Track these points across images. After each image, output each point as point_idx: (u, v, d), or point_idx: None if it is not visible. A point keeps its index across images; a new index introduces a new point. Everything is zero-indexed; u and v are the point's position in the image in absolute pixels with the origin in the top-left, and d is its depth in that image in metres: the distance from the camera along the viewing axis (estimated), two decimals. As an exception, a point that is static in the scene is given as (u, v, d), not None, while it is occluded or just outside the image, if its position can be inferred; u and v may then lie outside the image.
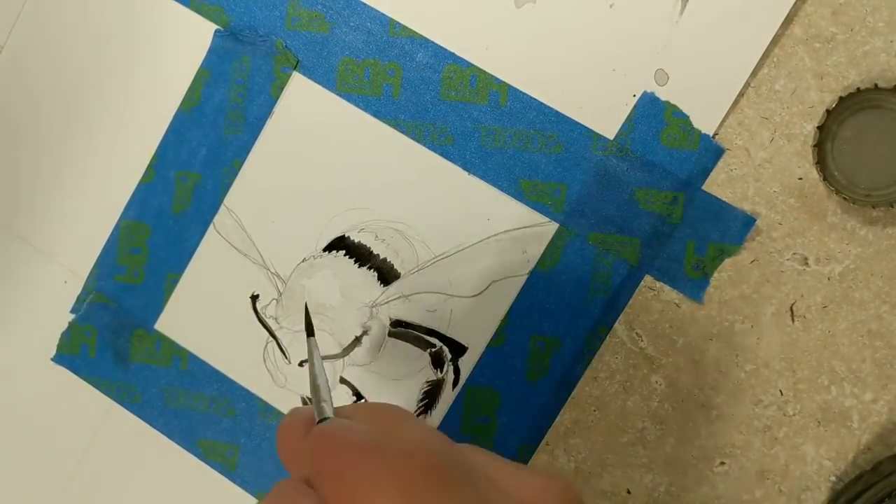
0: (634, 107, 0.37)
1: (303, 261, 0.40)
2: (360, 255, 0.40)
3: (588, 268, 0.38)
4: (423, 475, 0.20)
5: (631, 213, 0.37)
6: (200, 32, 0.41)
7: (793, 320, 0.36)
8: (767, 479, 0.37)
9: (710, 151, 0.36)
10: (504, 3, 0.38)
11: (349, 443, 0.21)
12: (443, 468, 0.21)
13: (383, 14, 0.39)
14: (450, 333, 0.39)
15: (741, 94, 0.36)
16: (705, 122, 0.36)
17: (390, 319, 0.40)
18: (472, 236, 0.39)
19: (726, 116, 0.36)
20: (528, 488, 0.23)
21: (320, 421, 0.24)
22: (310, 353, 0.30)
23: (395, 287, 0.39)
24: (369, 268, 0.40)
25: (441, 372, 0.39)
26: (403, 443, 0.21)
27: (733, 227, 0.36)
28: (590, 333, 0.38)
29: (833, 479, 0.36)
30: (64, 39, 0.43)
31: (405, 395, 0.39)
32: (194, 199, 0.41)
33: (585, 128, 0.38)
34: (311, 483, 0.22)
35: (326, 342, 0.40)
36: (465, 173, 0.39)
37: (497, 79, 0.38)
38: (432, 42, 0.39)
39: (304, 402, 0.40)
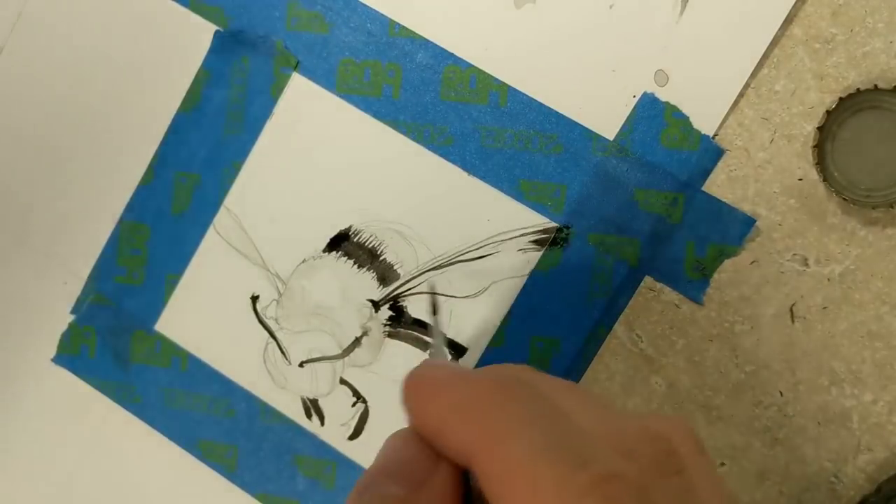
0: (634, 107, 0.37)
1: (302, 262, 0.40)
2: (360, 256, 0.40)
3: (588, 269, 0.38)
4: (490, 391, 0.21)
5: (631, 213, 0.37)
6: (200, 33, 0.41)
7: (793, 321, 0.36)
8: (768, 480, 0.37)
9: (710, 152, 0.36)
10: (504, 4, 0.38)
11: (426, 378, 0.23)
12: (509, 384, 0.21)
13: (383, 15, 0.39)
14: (450, 334, 0.39)
15: (741, 95, 0.36)
16: (705, 122, 0.36)
17: (390, 320, 0.40)
18: (472, 237, 0.39)
19: (726, 117, 0.36)
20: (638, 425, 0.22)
21: None
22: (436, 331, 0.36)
23: (394, 288, 0.39)
24: (369, 269, 0.40)
25: (441, 373, 0.39)
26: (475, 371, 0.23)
27: (733, 227, 0.36)
28: (590, 334, 0.38)
29: (833, 479, 0.36)
30: (63, 40, 0.43)
31: (405, 396, 0.39)
32: (194, 200, 0.41)
33: (585, 128, 0.38)
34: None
35: (326, 343, 0.40)
36: (465, 174, 0.39)
37: (497, 79, 0.38)
38: (432, 43, 0.39)
39: (304, 404, 0.40)
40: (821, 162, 0.35)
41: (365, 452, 0.39)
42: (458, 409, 0.21)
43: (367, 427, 0.40)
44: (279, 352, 0.41)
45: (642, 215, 0.37)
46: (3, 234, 0.44)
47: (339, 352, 0.40)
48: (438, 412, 0.21)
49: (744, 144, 0.36)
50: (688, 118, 0.37)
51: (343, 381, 0.40)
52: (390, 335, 0.40)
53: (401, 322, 0.39)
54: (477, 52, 0.38)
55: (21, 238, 0.44)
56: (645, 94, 0.37)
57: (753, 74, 0.36)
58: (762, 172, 0.36)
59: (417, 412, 0.22)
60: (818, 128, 0.35)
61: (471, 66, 0.38)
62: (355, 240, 0.40)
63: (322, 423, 0.40)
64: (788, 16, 0.35)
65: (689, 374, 0.37)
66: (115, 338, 0.42)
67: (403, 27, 0.39)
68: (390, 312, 0.40)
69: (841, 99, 0.34)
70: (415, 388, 0.22)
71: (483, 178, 0.38)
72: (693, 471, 0.21)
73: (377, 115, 0.39)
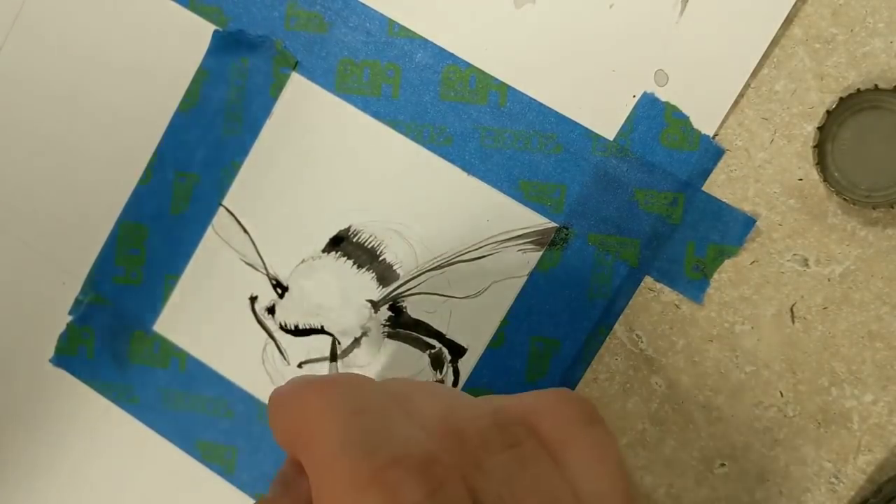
0: (634, 107, 0.37)
1: (301, 262, 0.40)
2: (359, 256, 0.40)
3: (588, 269, 0.38)
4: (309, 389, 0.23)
5: (631, 213, 0.37)
6: (199, 33, 0.41)
7: (793, 321, 0.36)
8: (768, 481, 0.37)
9: (710, 152, 0.36)
10: (503, 4, 0.38)
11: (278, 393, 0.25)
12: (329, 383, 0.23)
13: (382, 14, 0.39)
14: (449, 335, 0.39)
15: (741, 95, 0.36)
16: (705, 122, 0.36)
17: (389, 321, 0.39)
18: (472, 237, 0.39)
19: (726, 117, 0.36)
20: (533, 403, 0.23)
21: None
22: None
23: (393, 288, 0.39)
24: (368, 269, 0.40)
25: (440, 373, 0.39)
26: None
27: (733, 228, 0.36)
28: (589, 335, 0.38)
29: (833, 480, 0.36)
30: (62, 40, 0.43)
31: (404, 397, 0.39)
32: (193, 200, 0.41)
33: (585, 128, 0.37)
34: None
35: (325, 343, 0.40)
36: (465, 174, 0.39)
37: (496, 79, 0.38)
38: (431, 42, 0.39)
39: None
40: (821, 162, 0.35)
41: (364, 453, 0.39)
42: (284, 414, 0.23)
43: (367, 428, 0.39)
44: (278, 352, 0.41)
45: (642, 215, 0.37)
46: (1, 235, 0.44)
47: (339, 352, 0.40)
48: (277, 422, 0.23)
49: (744, 144, 0.36)
50: (688, 118, 0.37)
51: (342, 382, 0.40)
52: (390, 335, 0.39)
53: (400, 322, 0.39)
54: (477, 52, 0.38)
55: (19, 238, 0.44)
56: (645, 94, 0.37)
57: (753, 74, 0.36)
58: (762, 172, 0.36)
59: (270, 425, 0.24)
60: (818, 128, 0.35)
61: (470, 66, 0.38)
62: (355, 240, 0.40)
63: (321, 424, 0.40)
64: (788, 16, 0.35)
65: (689, 374, 0.37)
66: (114, 338, 0.42)
67: (403, 27, 0.39)
68: (389, 313, 0.39)
69: (841, 99, 0.34)
70: (270, 404, 0.24)
71: (483, 178, 0.38)
72: (559, 443, 0.21)
73: (376, 114, 0.39)
